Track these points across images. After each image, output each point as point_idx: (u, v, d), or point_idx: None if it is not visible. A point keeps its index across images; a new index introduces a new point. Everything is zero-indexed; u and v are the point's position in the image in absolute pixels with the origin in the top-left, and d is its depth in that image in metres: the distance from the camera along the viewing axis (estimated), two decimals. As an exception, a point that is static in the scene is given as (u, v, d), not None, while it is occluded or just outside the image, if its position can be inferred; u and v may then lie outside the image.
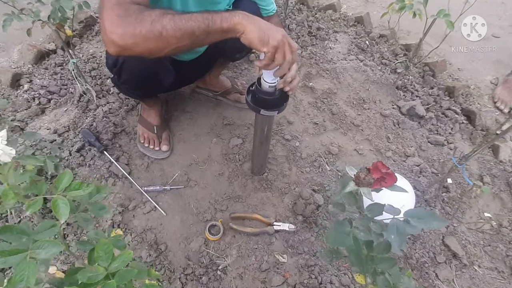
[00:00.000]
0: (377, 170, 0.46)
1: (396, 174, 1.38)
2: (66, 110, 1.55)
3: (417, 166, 1.46)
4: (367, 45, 2.02)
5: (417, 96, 1.77)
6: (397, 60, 1.94)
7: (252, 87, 1.01)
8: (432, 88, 1.83)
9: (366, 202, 0.52)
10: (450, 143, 1.58)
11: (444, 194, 1.37)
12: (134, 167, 1.38)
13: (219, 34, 0.79)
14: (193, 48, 0.80)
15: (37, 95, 1.57)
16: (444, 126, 1.65)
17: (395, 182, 0.47)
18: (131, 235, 1.20)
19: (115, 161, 1.35)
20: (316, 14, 2.20)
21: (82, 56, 1.80)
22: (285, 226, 1.24)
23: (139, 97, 1.36)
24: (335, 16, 2.20)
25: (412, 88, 1.81)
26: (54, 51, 1.81)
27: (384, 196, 0.55)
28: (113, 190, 1.30)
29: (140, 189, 1.30)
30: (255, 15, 0.93)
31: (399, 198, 1.27)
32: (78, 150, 1.37)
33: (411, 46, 2.00)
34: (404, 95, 1.78)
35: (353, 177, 0.48)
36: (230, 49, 1.25)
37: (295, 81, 0.95)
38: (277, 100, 0.98)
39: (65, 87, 1.63)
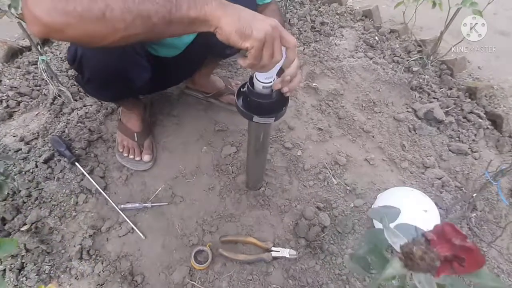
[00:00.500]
0: (444, 240, 0.25)
1: (416, 191, 1.14)
2: (37, 114, 1.37)
3: (439, 179, 1.26)
4: (376, 41, 1.83)
5: (434, 98, 1.57)
6: (410, 57, 1.74)
7: (243, 88, 0.82)
8: (450, 88, 1.63)
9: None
10: (475, 152, 1.38)
11: (474, 215, 1.17)
12: (111, 180, 1.20)
13: (186, 25, 0.58)
14: (151, 39, 0.59)
15: (5, 97, 1.40)
16: (466, 132, 1.45)
17: (482, 265, 0.26)
18: (102, 263, 1.01)
19: (88, 173, 1.17)
20: (319, 7, 2.01)
21: (60, 53, 1.62)
22: (285, 252, 1.05)
23: (110, 100, 1.16)
24: (341, 10, 2.01)
25: (428, 88, 1.61)
26: (29, 48, 1.63)
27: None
28: (84, 209, 1.11)
29: (116, 207, 1.12)
30: (248, 3, 0.74)
31: (420, 217, 1.09)
32: (45, 161, 1.19)
33: (426, 42, 1.80)
34: (420, 96, 1.58)
35: (400, 252, 0.27)
36: (218, 43, 1.05)
37: (296, 80, 0.76)
38: (274, 103, 0.79)
39: (38, 88, 1.46)
